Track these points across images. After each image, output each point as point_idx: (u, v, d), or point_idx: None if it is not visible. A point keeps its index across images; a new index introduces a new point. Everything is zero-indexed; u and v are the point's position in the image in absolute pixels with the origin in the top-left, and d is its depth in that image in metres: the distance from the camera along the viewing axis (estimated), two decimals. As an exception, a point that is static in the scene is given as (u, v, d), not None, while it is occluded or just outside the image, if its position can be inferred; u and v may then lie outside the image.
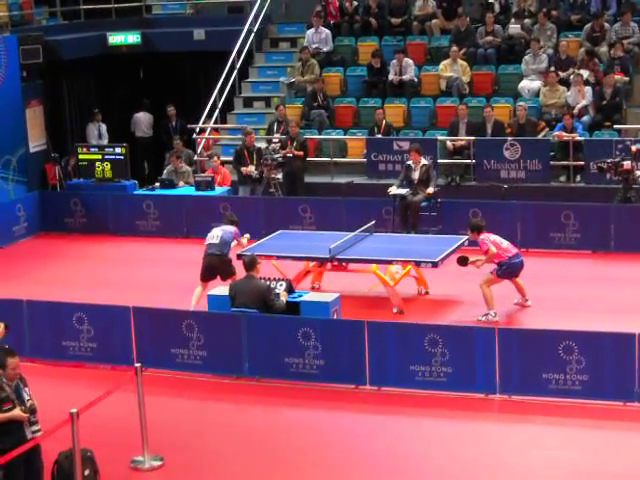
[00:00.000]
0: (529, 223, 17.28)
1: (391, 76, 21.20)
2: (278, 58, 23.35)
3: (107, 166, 20.47)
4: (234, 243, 14.71)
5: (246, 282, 13.00)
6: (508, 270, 14.17)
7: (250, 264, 13.07)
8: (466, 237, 15.29)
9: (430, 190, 17.41)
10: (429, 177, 17.53)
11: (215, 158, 20.25)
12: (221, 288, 13.63)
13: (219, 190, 19.59)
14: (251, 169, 19.43)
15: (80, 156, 20.80)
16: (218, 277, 14.50)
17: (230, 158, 20.24)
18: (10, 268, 17.66)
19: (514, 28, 21.26)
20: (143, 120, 23.99)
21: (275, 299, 12.90)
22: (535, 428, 11.11)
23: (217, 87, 21.93)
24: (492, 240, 14.17)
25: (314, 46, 22.29)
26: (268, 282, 13.20)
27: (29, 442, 8.85)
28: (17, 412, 8.74)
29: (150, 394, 10.78)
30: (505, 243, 14.27)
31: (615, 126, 19.19)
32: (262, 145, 19.94)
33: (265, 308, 12.78)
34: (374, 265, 14.66)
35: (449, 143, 19.61)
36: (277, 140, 19.75)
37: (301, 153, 19.65)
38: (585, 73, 19.91)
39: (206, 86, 22.98)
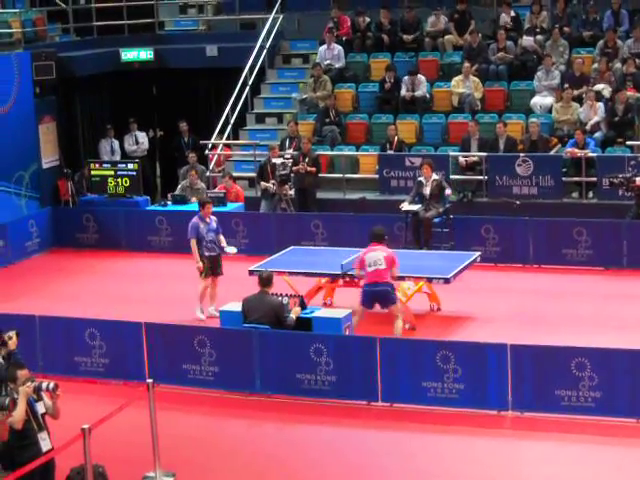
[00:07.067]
0: (541, 239, 17.25)
1: (403, 92, 21.21)
2: (290, 74, 23.37)
3: (120, 182, 20.55)
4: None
5: (259, 298, 12.98)
6: (362, 296, 13.55)
7: (266, 281, 13.05)
8: (478, 253, 15.29)
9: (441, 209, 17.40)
10: (441, 191, 17.50)
11: (227, 177, 20.25)
12: (234, 304, 13.63)
13: (231, 206, 19.60)
14: (269, 184, 19.44)
15: (93, 172, 20.87)
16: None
17: (242, 174, 20.31)
18: (23, 284, 17.70)
19: (527, 40, 21.27)
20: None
21: (287, 315, 12.89)
22: (547, 445, 11.07)
23: (229, 103, 21.95)
24: (361, 258, 13.54)
25: (326, 62, 22.31)
26: (281, 298, 13.18)
27: (44, 456, 8.87)
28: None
29: (162, 410, 10.81)
30: (373, 267, 13.36)
31: (627, 142, 19.14)
32: (278, 161, 19.95)
33: (278, 324, 12.77)
34: (386, 281, 14.64)
35: (461, 159, 19.61)
36: (289, 156, 19.76)
37: (313, 169, 19.65)
38: (601, 86, 19.88)
39: (218, 102, 22.99)
